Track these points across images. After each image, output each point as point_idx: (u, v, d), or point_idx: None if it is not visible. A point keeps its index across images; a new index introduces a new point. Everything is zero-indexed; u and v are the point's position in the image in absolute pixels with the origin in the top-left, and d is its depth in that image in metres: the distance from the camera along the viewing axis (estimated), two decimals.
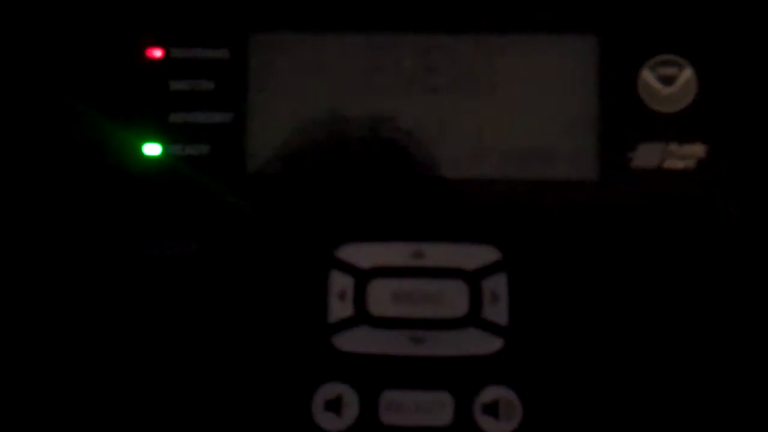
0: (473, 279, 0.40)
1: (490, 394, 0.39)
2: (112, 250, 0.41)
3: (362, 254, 0.40)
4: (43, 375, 0.40)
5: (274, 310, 0.40)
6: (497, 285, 0.40)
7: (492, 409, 0.39)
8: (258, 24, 0.42)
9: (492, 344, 0.40)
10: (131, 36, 0.42)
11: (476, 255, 0.40)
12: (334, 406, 0.40)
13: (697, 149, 0.40)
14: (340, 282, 0.40)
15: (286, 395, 0.40)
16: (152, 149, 0.42)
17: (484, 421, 0.39)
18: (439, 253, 0.40)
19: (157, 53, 0.42)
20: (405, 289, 0.40)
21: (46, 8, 0.42)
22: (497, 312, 0.40)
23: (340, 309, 0.40)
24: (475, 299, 0.40)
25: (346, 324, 0.40)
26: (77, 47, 0.42)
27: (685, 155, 0.40)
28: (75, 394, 0.40)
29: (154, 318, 0.41)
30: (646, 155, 0.41)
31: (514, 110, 0.41)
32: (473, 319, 0.40)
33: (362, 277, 0.40)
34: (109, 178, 0.42)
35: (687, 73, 0.41)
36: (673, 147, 0.41)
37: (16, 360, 0.40)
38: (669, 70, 0.41)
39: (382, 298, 0.40)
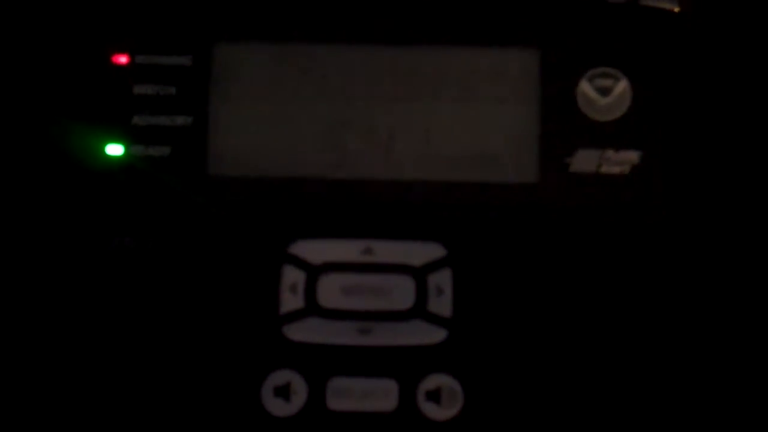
0: (420, 274, 0.42)
1: (434, 381, 0.41)
2: (74, 244, 0.42)
3: (314, 250, 0.42)
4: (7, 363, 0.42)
5: (228, 301, 0.42)
6: (442, 280, 0.42)
7: (435, 395, 0.41)
8: (221, 33, 0.44)
9: (436, 335, 0.41)
10: (98, 42, 0.44)
11: (423, 252, 0.42)
12: (283, 392, 0.41)
13: (632, 155, 0.43)
14: (292, 276, 0.42)
15: (236, 382, 0.41)
16: (115, 149, 0.44)
17: (427, 407, 0.41)
18: (387, 250, 0.42)
19: (123, 59, 0.44)
20: (354, 283, 0.42)
21: (15, 13, 0.44)
22: (442, 305, 0.41)
23: (291, 301, 0.42)
24: (421, 293, 0.42)
25: (296, 315, 0.42)
26: (46, 51, 0.44)
27: (620, 161, 0.43)
28: (38, 380, 0.42)
29: (113, 308, 0.42)
30: (583, 160, 0.43)
31: (460, 118, 0.43)
32: (419, 311, 0.41)
33: (313, 272, 0.42)
34: (73, 176, 0.43)
35: (622, 85, 0.43)
36: (609, 153, 0.43)
37: None
38: (605, 82, 0.43)
39: (332, 291, 0.42)
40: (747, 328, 0.42)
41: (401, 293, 0.41)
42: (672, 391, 0.42)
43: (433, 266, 0.42)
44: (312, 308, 0.42)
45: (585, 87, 0.43)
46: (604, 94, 0.43)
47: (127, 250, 0.42)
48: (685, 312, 0.42)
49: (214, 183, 0.43)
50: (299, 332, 0.41)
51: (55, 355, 0.42)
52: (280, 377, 0.41)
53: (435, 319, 0.41)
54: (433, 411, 0.41)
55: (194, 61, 0.44)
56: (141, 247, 0.42)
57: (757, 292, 0.42)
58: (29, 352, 0.42)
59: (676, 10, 0.44)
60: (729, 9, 0.44)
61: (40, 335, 0.42)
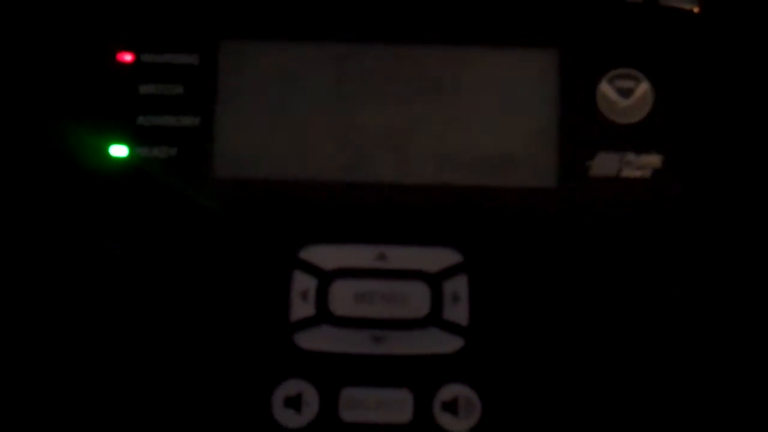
0: (435, 281, 0.41)
1: (450, 392, 0.40)
2: (78, 247, 0.41)
3: (326, 255, 0.41)
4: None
5: (237, 308, 0.40)
6: (458, 286, 0.41)
7: (451, 406, 0.40)
8: (228, 31, 0.43)
9: (452, 344, 0.40)
10: (102, 40, 0.43)
11: (438, 258, 0.41)
12: (294, 403, 0.40)
13: (653, 159, 0.42)
14: (302, 282, 0.41)
15: (246, 392, 0.40)
16: (119, 151, 0.42)
17: (443, 418, 0.40)
18: (401, 256, 0.41)
19: (128, 57, 0.43)
20: (367, 289, 0.40)
21: (20, 12, 0.43)
22: (458, 312, 0.40)
23: (302, 308, 0.40)
24: (437, 300, 0.40)
25: (307, 323, 0.40)
26: (50, 50, 0.42)
27: (641, 165, 0.42)
28: (38, 385, 0.40)
29: (119, 315, 0.41)
30: (603, 164, 0.42)
31: (477, 119, 0.42)
32: (434, 319, 0.40)
33: (325, 278, 0.41)
34: (76, 177, 0.42)
35: (644, 87, 0.42)
36: (630, 157, 0.42)
37: None
38: (626, 83, 0.42)
39: (344, 298, 0.40)
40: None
41: (416, 300, 0.40)
42: (696, 398, 0.40)
43: (449, 272, 0.41)
44: (323, 316, 0.40)
45: (605, 88, 0.42)
46: (625, 96, 0.42)
47: (132, 255, 0.41)
48: (707, 316, 0.40)
49: (221, 185, 0.42)
50: (310, 340, 0.40)
51: (60, 359, 0.40)
52: (291, 387, 0.40)
53: (451, 327, 0.40)
54: (449, 422, 0.39)
55: (201, 59, 0.43)
56: (146, 251, 0.41)
57: None
58: (33, 355, 0.41)
59: (696, 10, 0.43)
60: (749, 9, 0.43)
61: (44, 340, 0.40)
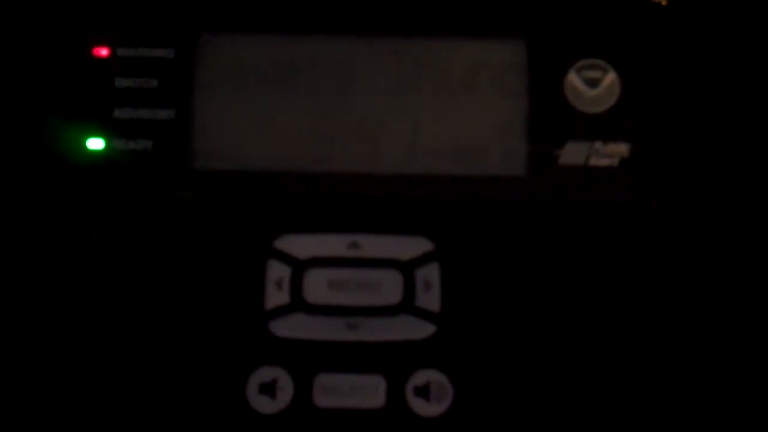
0: (407, 268, 0.41)
1: (422, 377, 0.40)
2: (54, 239, 0.42)
3: (300, 245, 0.42)
4: None
5: (213, 296, 0.41)
6: (430, 274, 0.41)
7: (423, 391, 0.40)
8: (203, 25, 0.43)
9: (424, 330, 0.41)
10: (78, 34, 0.43)
11: (410, 246, 0.42)
12: (269, 389, 0.40)
13: (621, 148, 0.42)
14: (277, 271, 0.41)
15: (221, 378, 0.40)
16: (96, 144, 0.43)
17: (415, 403, 0.40)
18: (374, 245, 0.42)
19: (104, 52, 0.43)
20: (341, 278, 0.41)
21: None
22: (430, 300, 0.41)
23: (276, 296, 0.41)
24: (409, 288, 0.41)
25: (282, 311, 0.41)
26: (26, 45, 0.43)
27: (609, 153, 0.42)
28: (16, 371, 0.41)
29: (96, 304, 0.41)
30: (572, 153, 0.42)
31: (447, 110, 0.43)
32: (407, 306, 0.41)
33: (299, 267, 0.41)
34: (54, 170, 0.42)
35: (611, 77, 0.43)
36: (598, 145, 0.42)
37: None
38: (594, 74, 0.43)
39: (318, 286, 0.41)
40: (739, 321, 0.41)
41: (389, 288, 0.41)
42: (662, 386, 0.41)
43: (421, 261, 0.41)
44: (298, 304, 0.41)
45: (573, 79, 0.43)
46: (593, 86, 0.43)
47: (109, 246, 0.41)
48: (674, 304, 0.41)
49: (197, 177, 0.43)
50: (285, 328, 0.41)
51: (34, 350, 0.41)
52: (265, 374, 0.40)
53: (423, 314, 0.41)
54: (422, 407, 0.40)
55: (177, 53, 0.43)
56: (123, 242, 0.42)
57: (749, 284, 0.41)
58: (11, 343, 0.41)
59: (664, 2, 0.43)
60: (717, 1, 0.44)
61: (22, 328, 0.41)
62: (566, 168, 0.42)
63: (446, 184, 0.42)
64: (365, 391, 0.40)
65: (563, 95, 0.43)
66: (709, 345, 0.41)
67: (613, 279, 0.41)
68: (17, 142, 0.42)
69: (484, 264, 0.41)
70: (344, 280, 0.41)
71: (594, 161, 0.42)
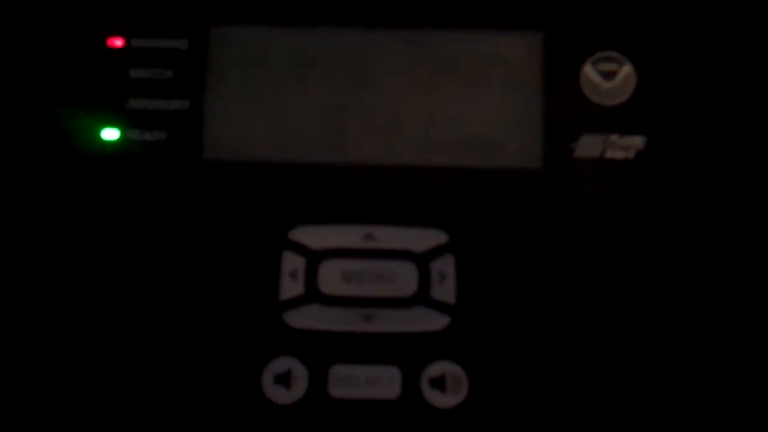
0: (422, 260, 0.41)
1: (437, 368, 0.40)
2: (68, 229, 0.42)
3: (314, 236, 0.41)
4: None
5: (228, 287, 0.41)
6: (445, 266, 0.41)
7: (439, 383, 0.40)
8: (218, 16, 0.43)
9: (439, 321, 0.41)
10: (93, 25, 0.43)
11: (425, 238, 0.41)
12: (284, 379, 0.40)
13: (637, 140, 0.42)
14: (292, 262, 0.41)
15: (237, 369, 0.40)
16: (110, 134, 0.43)
17: (431, 394, 0.40)
18: (389, 236, 0.41)
19: (118, 42, 0.43)
20: (355, 269, 0.41)
21: None
22: (445, 291, 0.41)
23: (291, 288, 0.41)
24: (424, 279, 0.41)
25: (297, 302, 0.41)
26: (42, 36, 0.43)
27: (625, 146, 0.42)
28: (27, 361, 0.41)
29: (110, 295, 0.41)
30: (588, 146, 0.42)
31: (463, 102, 0.43)
32: (422, 297, 0.41)
33: (314, 258, 0.41)
34: (69, 160, 0.42)
35: (626, 69, 0.43)
36: (614, 138, 0.42)
37: None
38: (609, 66, 0.43)
39: (332, 277, 0.41)
40: (755, 314, 0.41)
41: (403, 279, 0.41)
42: (676, 383, 0.41)
43: (436, 252, 0.41)
44: (312, 295, 0.41)
45: (589, 71, 0.43)
46: (609, 79, 0.43)
47: (124, 236, 0.41)
48: (691, 297, 0.41)
49: (211, 168, 0.43)
50: (300, 319, 0.41)
51: (48, 341, 0.41)
52: (280, 364, 0.40)
53: (438, 306, 0.41)
54: (437, 398, 0.40)
55: (191, 44, 0.43)
56: (137, 233, 0.41)
57: (763, 280, 0.41)
58: (21, 339, 0.41)
59: None
60: None
61: (35, 318, 0.41)
62: (582, 160, 0.42)
63: (461, 176, 0.42)
64: (380, 382, 0.40)
65: (579, 88, 0.43)
66: (724, 335, 0.41)
67: (629, 271, 0.41)
68: (32, 132, 0.42)
69: (499, 256, 0.41)
70: (359, 272, 0.41)
71: (610, 154, 0.42)
